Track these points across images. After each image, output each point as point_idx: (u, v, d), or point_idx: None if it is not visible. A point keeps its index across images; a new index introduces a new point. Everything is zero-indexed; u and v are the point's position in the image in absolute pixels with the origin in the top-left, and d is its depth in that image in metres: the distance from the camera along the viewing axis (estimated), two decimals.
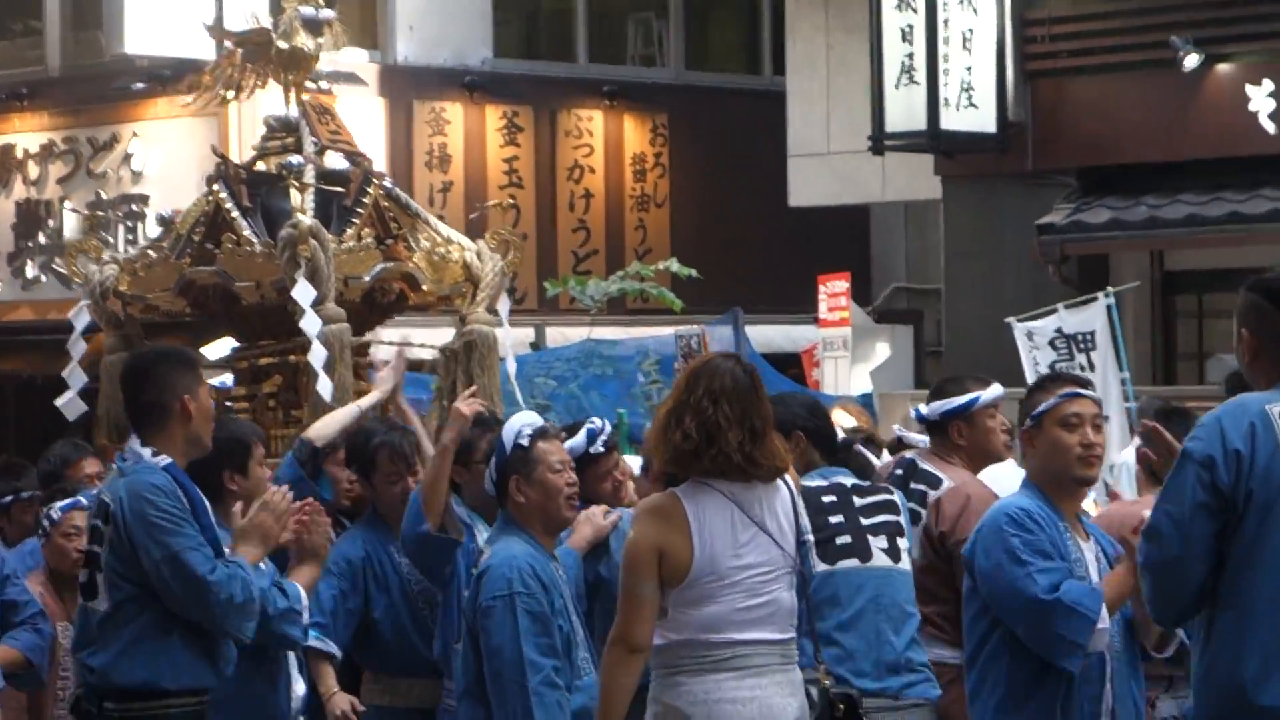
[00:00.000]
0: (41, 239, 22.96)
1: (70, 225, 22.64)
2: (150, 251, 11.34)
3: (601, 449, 9.02)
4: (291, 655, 8.12)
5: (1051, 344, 15.56)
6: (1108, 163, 19.68)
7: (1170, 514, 5.92)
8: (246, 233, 10.68)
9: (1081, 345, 15.24)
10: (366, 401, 9.68)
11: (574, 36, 24.18)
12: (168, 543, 7.16)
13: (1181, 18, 19.10)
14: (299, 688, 8.20)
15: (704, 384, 6.98)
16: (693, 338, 11.89)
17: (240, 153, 21.41)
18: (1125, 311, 16.56)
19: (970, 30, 19.61)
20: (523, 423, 8.14)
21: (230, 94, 11.42)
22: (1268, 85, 18.73)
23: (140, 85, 22.08)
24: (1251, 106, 18.81)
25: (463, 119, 23.01)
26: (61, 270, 22.77)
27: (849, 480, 8.39)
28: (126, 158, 22.27)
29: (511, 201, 12.45)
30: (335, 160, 11.10)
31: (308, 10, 11.03)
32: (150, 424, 7.41)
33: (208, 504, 7.43)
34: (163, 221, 11.63)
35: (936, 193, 20.94)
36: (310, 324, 10.11)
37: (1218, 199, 18.76)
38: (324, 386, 10.04)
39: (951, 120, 19.44)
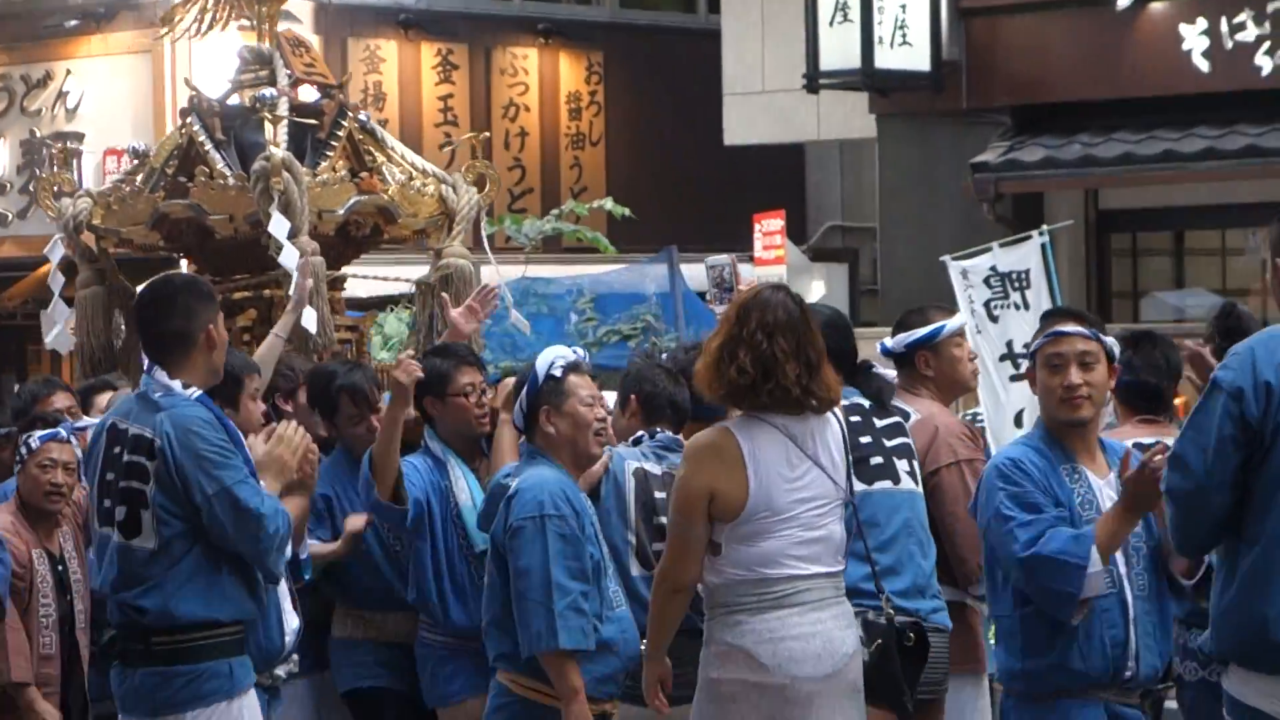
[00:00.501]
0: None
1: (4, 163, 22.46)
2: (123, 185, 11.00)
3: None
4: (284, 590, 8.00)
5: (986, 282, 15.33)
6: (1042, 101, 19.68)
7: (1196, 443, 5.91)
8: (220, 166, 10.45)
9: (1016, 284, 15.04)
10: (281, 328, 9.42)
11: None
12: (219, 476, 6.99)
13: None
14: (292, 621, 8.10)
15: (756, 317, 6.82)
16: (724, 267, 11.38)
17: (175, 89, 21.30)
18: (1059, 250, 16.43)
19: None
20: (555, 355, 8.08)
21: (204, 29, 11.13)
22: (1201, 24, 18.71)
23: (74, 23, 22.00)
24: (1185, 45, 18.81)
25: (397, 57, 22.99)
26: None
27: (865, 401, 8.23)
28: (61, 95, 22.18)
29: (487, 135, 12.28)
30: (310, 94, 10.95)
31: None
32: (173, 353, 7.19)
33: (240, 435, 7.30)
34: (136, 154, 11.25)
35: (871, 131, 20.94)
36: (289, 257, 9.88)
37: (1152, 137, 18.74)
38: (309, 319, 9.83)
39: (886, 59, 19.40)
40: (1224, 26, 18.65)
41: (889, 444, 8.17)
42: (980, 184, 19.10)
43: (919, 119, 20.28)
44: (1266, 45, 18.52)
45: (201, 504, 6.98)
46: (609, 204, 20.93)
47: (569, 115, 24.79)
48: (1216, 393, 5.90)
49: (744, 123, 22.18)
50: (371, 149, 11.04)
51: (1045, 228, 15.81)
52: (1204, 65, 18.78)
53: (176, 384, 7.08)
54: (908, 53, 19.58)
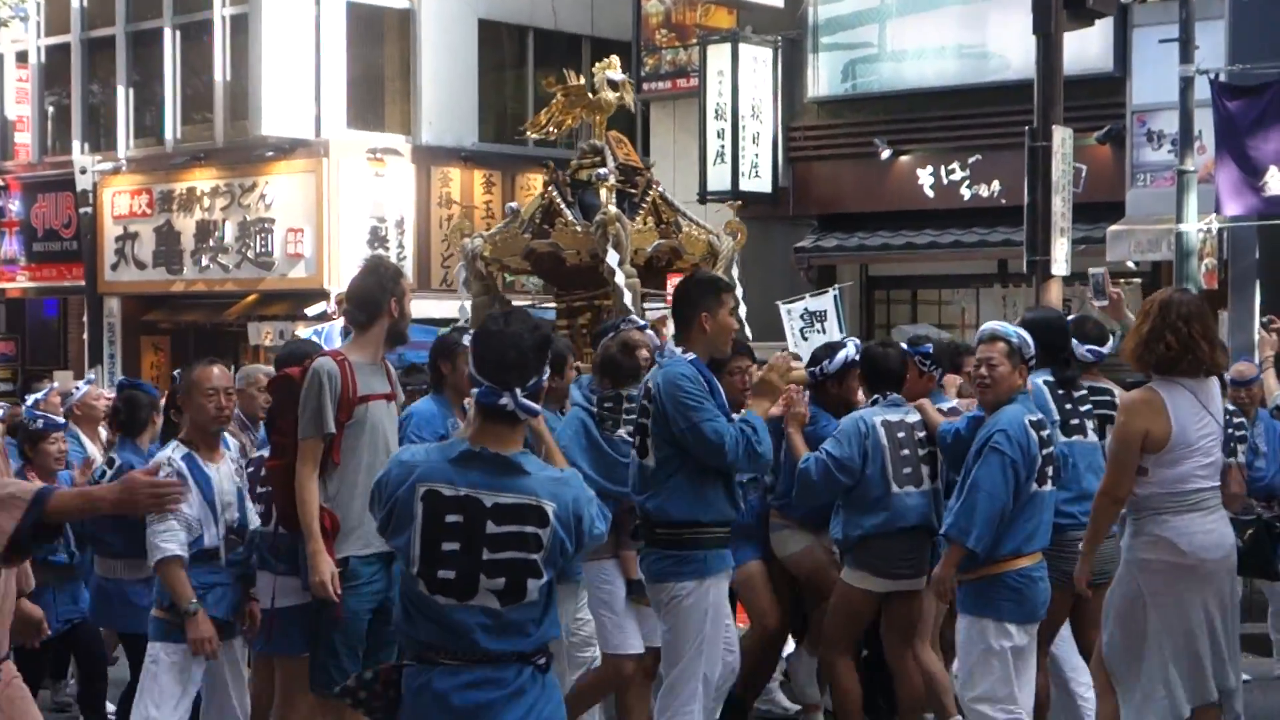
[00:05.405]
0: (210, 243, 22.89)
1: (230, 235, 22.61)
2: (504, 230, 10.47)
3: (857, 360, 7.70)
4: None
5: (801, 317, 15.53)
6: (836, 211, 19.60)
7: None
8: (570, 218, 9.99)
9: (818, 319, 15.26)
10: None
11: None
12: (690, 416, 6.11)
13: (881, 127, 19.04)
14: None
15: (1175, 311, 6.03)
16: (1099, 276, 10.69)
17: (330, 194, 21.39)
18: (845, 299, 16.64)
19: (757, 132, 19.62)
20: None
21: (554, 130, 10.60)
22: (929, 168, 18.77)
23: (270, 153, 22.02)
24: (920, 181, 18.87)
25: (460, 179, 22.98)
26: (223, 263, 22.79)
27: (1053, 379, 7.21)
28: (262, 196, 22.19)
29: (739, 202, 12.02)
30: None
31: (610, 74, 10.37)
32: (681, 330, 6.38)
33: (719, 386, 6.37)
34: (511, 211, 10.72)
35: None
36: (619, 278, 9.47)
37: (899, 234, 18.77)
38: (635, 319, 9.27)
39: (746, 185, 19.36)
40: (942, 170, 18.80)
41: (1082, 409, 7.21)
42: (799, 259, 19.11)
43: (764, 221, 20.32)
44: (967, 182, 18.63)
45: (678, 434, 6.17)
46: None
47: None
48: None
49: None
50: (664, 210, 10.40)
51: (836, 286, 16.02)
52: (930, 193, 18.82)
53: (679, 350, 6.33)
54: (758, 181, 19.51)
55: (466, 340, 7.12)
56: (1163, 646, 6.04)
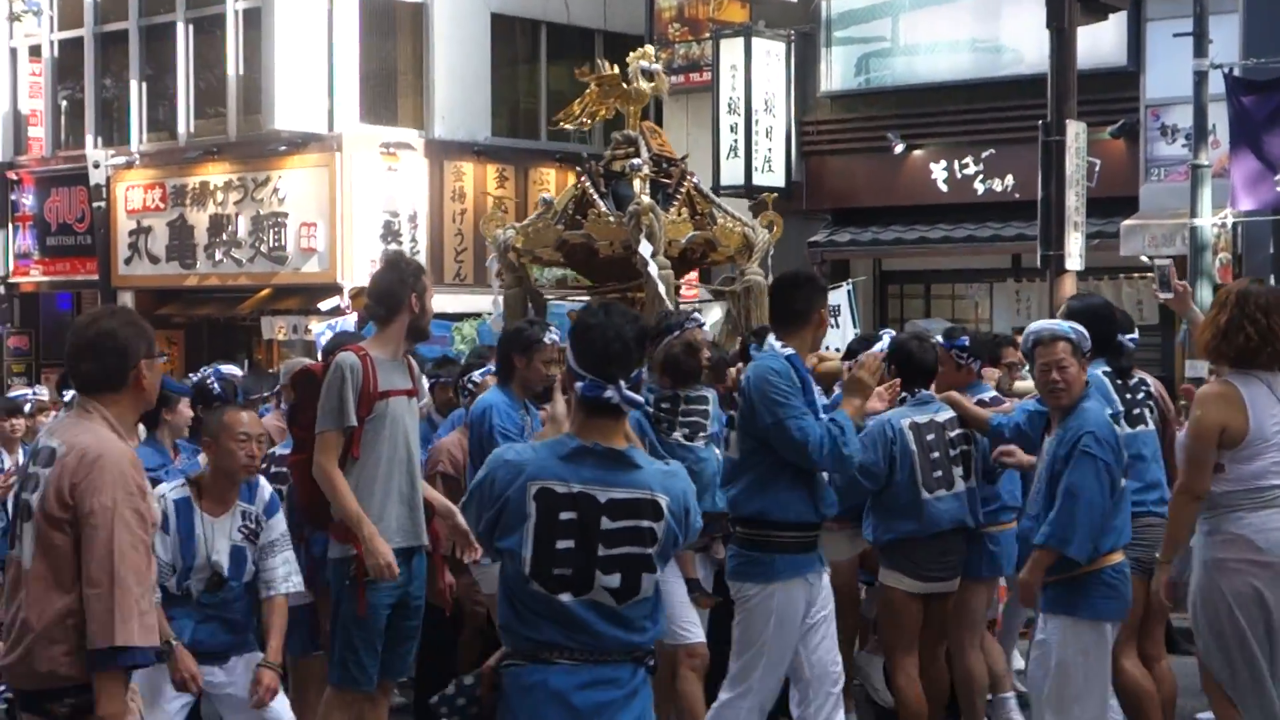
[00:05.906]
0: (224, 237, 22.91)
1: (243, 229, 22.61)
2: (536, 221, 10.22)
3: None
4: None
5: None
6: (849, 206, 19.60)
7: None
8: (603, 208, 9.77)
9: (832, 314, 15.26)
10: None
11: (538, 123, 24.16)
12: (777, 412, 5.90)
13: (894, 121, 19.05)
14: None
15: (1253, 302, 5.85)
16: (1167, 267, 10.47)
17: (341, 187, 21.38)
18: (859, 294, 16.63)
19: (770, 127, 19.59)
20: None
21: (588, 120, 10.40)
22: (942, 163, 18.79)
23: (283, 147, 22.02)
24: (933, 175, 18.87)
25: (473, 172, 22.96)
26: (236, 257, 22.80)
27: (1109, 369, 7.00)
28: (275, 190, 22.19)
29: (775, 194, 11.49)
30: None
31: (644, 64, 10.14)
32: (788, 325, 6.11)
33: (813, 382, 6.14)
34: (544, 203, 10.36)
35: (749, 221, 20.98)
36: (653, 269, 9.30)
37: (912, 229, 18.79)
38: (664, 308, 9.00)
39: (759, 179, 19.31)
40: (956, 165, 18.79)
41: (1139, 397, 7.01)
42: (813, 254, 19.04)
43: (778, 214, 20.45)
44: (980, 176, 18.65)
45: (762, 429, 5.96)
46: None
47: None
48: None
49: None
50: (699, 201, 10.16)
51: (850, 281, 16.02)
52: (944, 187, 18.83)
53: (779, 345, 6.05)
54: (771, 175, 19.45)
55: (548, 338, 7.23)
56: (1252, 644, 5.88)
